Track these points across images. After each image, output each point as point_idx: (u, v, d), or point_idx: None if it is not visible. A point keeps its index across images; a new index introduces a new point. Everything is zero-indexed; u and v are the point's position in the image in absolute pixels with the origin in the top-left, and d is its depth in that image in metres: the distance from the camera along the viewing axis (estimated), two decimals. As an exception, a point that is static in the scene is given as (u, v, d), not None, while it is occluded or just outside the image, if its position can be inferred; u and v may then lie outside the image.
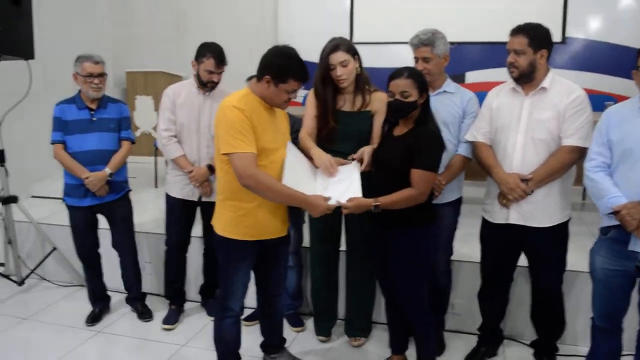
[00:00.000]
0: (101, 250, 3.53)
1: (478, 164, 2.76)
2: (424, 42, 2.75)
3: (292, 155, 2.49)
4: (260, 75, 2.38)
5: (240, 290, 2.58)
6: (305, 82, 2.40)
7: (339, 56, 2.74)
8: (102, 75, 3.22)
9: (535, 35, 2.52)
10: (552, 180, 2.55)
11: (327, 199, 2.42)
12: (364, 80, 2.86)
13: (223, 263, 2.56)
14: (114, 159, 3.27)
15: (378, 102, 2.82)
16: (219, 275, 2.61)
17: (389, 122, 2.61)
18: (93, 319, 3.43)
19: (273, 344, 2.90)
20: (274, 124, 2.49)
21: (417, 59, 2.80)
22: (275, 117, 2.51)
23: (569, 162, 2.53)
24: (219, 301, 2.62)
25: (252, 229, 2.46)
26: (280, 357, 2.90)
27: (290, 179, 2.39)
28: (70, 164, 3.21)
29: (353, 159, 2.63)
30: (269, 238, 2.52)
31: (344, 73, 2.75)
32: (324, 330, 3.22)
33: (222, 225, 2.50)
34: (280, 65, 2.33)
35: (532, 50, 2.51)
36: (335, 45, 2.76)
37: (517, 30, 2.55)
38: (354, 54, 2.80)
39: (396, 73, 2.44)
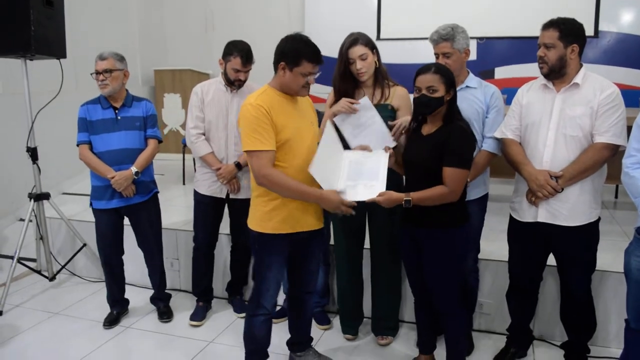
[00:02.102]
0: (133, 247, 3.55)
1: (507, 161, 2.71)
2: (444, 37, 2.72)
3: (326, 140, 2.46)
4: (275, 65, 2.41)
5: (272, 288, 2.59)
6: (319, 64, 2.40)
7: (358, 50, 2.75)
8: (108, 71, 3.16)
9: (566, 29, 2.46)
10: (584, 178, 2.49)
11: (341, 192, 2.43)
12: (383, 74, 2.87)
13: (256, 259, 2.60)
14: (140, 158, 3.25)
15: (399, 98, 2.84)
16: (256, 272, 2.62)
17: (415, 120, 2.59)
18: (110, 322, 3.42)
19: (300, 341, 2.90)
20: (298, 113, 2.49)
21: (437, 55, 2.78)
22: (298, 106, 2.52)
23: (601, 160, 2.47)
24: (252, 298, 2.63)
25: (284, 222, 2.48)
26: (306, 355, 2.89)
27: (317, 167, 2.37)
28: (96, 164, 3.20)
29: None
30: (302, 231, 2.53)
31: (364, 66, 2.76)
32: (350, 329, 3.22)
33: (256, 221, 2.53)
34: (292, 49, 2.36)
35: (562, 45, 2.46)
36: (354, 39, 2.77)
37: (549, 24, 2.50)
38: (372, 47, 2.81)
39: (423, 68, 2.43)
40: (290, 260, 2.68)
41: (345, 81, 2.83)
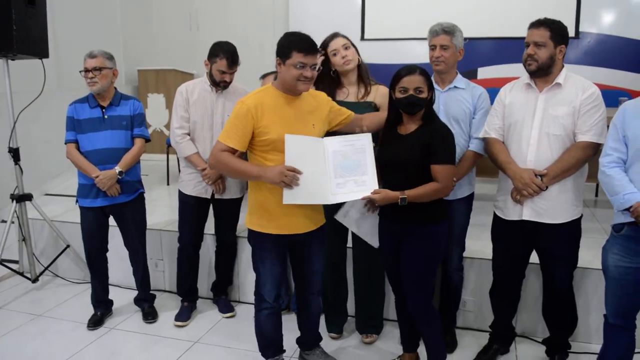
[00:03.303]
0: (118, 247, 3.54)
1: (491, 160, 2.75)
2: (446, 29, 2.79)
3: (292, 149, 2.41)
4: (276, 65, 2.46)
5: (269, 282, 2.61)
6: (309, 53, 2.38)
7: (339, 40, 2.86)
8: (98, 69, 3.16)
9: (556, 30, 2.52)
10: (568, 176, 2.53)
11: (334, 194, 2.47)
12: (365, 71, 2.94)
13: (252, 254, 2.66)
14: (125, 158, 3.23)
15: (381, 96, 2.87)
16: (253, 267, 2.68)
17: (389, 121, 2.60)
18: (95, 323, 3.40)
19: (307, 341, 2.93)
20: (297, 114, 2.48)
21: (434, 47, 2.81)
22: (301, 106, 2.50)
23: (583, 158, 2.52)
24: (255, 292, 2.69)
25: (273, 223, 2.51)
26: (312, 354, 2.92)
27: (292, 193, 2.40)
28: (82, 163, 3.20)
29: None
30: (293, 233, 2.55)
31: (349, 54, 2.84)
32: (334, 327, 3.24)
33: (249, 218, 2.60)
34: (282, 44, 2.41)
35: (552, 44, 2.51)
36: (333, 34, 2.90)
37: (539, 23, 2.54)
38: (352, 43, 2.90)
39: (409, 69, 2.46)
40: (292, 261, 2.75)
41: (325, 80, 2.87)
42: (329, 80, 2.89)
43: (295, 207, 2.47)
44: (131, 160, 3.26)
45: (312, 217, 2.59)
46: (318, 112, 2.57)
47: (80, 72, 3.20)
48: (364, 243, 2.96)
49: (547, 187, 2.52)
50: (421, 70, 2.47)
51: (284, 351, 2.83)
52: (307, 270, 2.73)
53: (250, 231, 2.60)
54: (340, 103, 2.82)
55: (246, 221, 2.61)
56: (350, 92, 2.90)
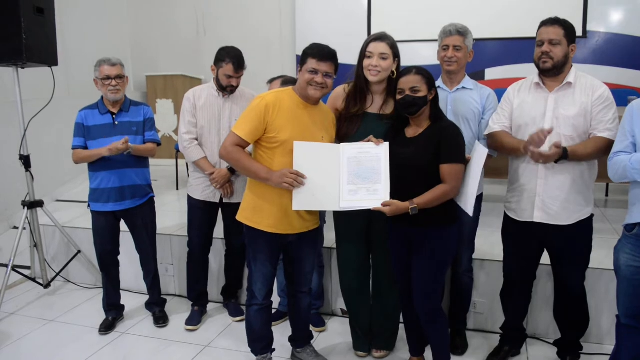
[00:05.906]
0: (128, 252, 3.55)
1: (498, 149, 2.73)
2: (460, 30, 2.81)
3: (300, 156, 2.45)
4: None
5: (260, 281, 2.67)
6: (322, 60, 2.46)
7: (381, 47, 2.60)
8: (120, 77, 3.22)
9: (569, 29, 2.53)
10: (583, 160, 2.49)
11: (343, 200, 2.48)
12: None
13: (248, 250, 2.71)
14: (139, 145, 3.25)
15: None
16: (247, 264, 2.72)
17: (395, 125, 2.59)
18: (107, 327, 3.42)
19: (298, 338, 2.95)
20: (310, 121, 2.55)
21: (447, 47, 2.82)
22: (315, 114, 2.57)
23: (601, 151, 2.47)
24: (247, 287, 2.75)
25: (268, 220, 2.55)
26: (303, 352, 2.94)
27: (301, 199, 2.44)
28: (88, 153, 3.21)
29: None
30: (287, 233, 2.59)
31: (380, 65, 2.59)
32: (364, 345, 3.03)
33: (243, 212, 2.64)
34: (303, 51, 2.52)
35: (566, 42, 2.52)
36: (382, 36, 2.65)
37: (553, 21, 2.54)
38: (396, 55, 2.66)
39: (404, 71, 2.49)
40: (285, 260, 2.79)
41: (356, 84, 2.72)
42: (355, 86, 2.72)
43: (290, 208, 2.50)
44: (143, 149, 3.28)
45: (306, 219, 2.63)
46: (327, 123, 2.65)
47: (102, 79, 3.20)
48: (382, 252, 2.83)
49: (567, 156, 2.42)
50: (418, 69, 2.46)
51: (274, 350, 2.86)
52: (298, 271, 2.78)
53: (248, 228, 2.62)
54: (364, 114, 2.71)
55: (243, 217, 2.64)
56: (375, 101, 2.72)
